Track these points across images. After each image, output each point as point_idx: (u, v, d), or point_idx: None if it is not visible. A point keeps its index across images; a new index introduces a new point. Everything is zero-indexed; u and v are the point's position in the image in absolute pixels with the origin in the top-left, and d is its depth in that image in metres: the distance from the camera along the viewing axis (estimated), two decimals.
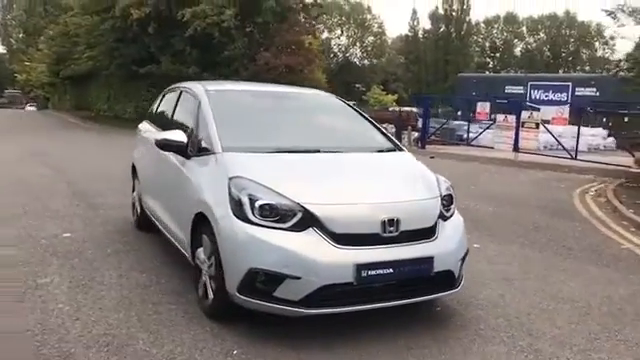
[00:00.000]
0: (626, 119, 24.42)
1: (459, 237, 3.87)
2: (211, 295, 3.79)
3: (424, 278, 3.61)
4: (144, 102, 24.05)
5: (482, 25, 67.79)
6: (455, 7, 65.65)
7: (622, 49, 67.63)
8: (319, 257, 3.31)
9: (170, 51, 22.24)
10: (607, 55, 67.41)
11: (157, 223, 5.28)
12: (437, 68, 64.14)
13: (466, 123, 22.66)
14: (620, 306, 4.49)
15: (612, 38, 66.76)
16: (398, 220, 3.51)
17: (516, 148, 18.32)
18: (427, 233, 3.67)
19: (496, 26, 68.68)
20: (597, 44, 67.59)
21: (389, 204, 3.62)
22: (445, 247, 3.69)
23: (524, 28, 68.33)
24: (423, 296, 3.71)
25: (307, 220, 3.40)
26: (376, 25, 66.22)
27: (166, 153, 4.70)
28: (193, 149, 4.30)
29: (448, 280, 3.76)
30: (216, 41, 21.27)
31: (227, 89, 5.27)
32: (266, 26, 22.19)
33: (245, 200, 3.49)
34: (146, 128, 5.98)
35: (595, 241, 6.77)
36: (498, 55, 68.00)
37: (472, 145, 20.39)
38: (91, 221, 6.60)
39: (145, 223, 5.93)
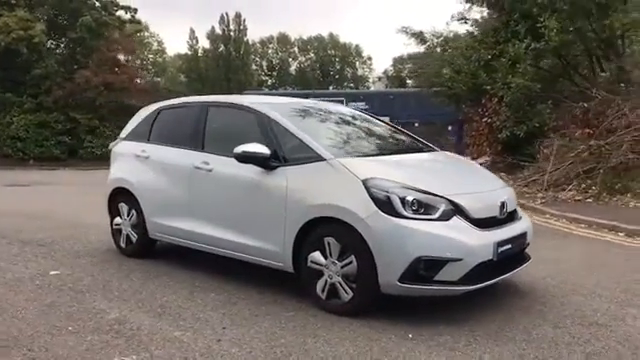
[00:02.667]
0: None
1: (526, 216, 4.72)
2: (348, 294, 4.00)
3: (521, 251, 4.37)
4: None
5: (258, 45, 70.79)
6: (232, 27, 67.30)
7: (378, 67, 76.96)
8: (472, 240, 3.84)
9: None
10: (366, 73, 76.06)
11: (192, 244, 5.12)
12: (220, 86, 65.11)
13: None
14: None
15: (370, 58, 75.61)
16: (506, 203, 4.22)
17: None
18: (516, 213, 4.44)
19: (271, 46, 72.39)
20: (357, 63, 75.63)
21: (496, 191, 4.31)
22: (528, 224, 4.50)
23: (296, 48, 73.22)
24: (519, 267, 4.41)
25: (451, 210, 3.89)
26: (155, 43, 64.74)
27: (221, 170, 4.74)
28: (280, 160, 4.40)
29: (527, 253, 4.56)
30: (24, 58, 19.08)
31: (275, 102, 5.33)
32: (82, 42, 20.61)
33: (394, 198, 3.83)
34: (144, 148, 5.63)
35: (544, 228, 7.83)
36: (275, 73, 71.68)
37: None
38: (54, 257, 5.93)
39: (145, 250, 5.64)
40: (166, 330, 3.87)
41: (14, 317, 4.15)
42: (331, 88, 66.17)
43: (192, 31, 66.45)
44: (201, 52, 68.47)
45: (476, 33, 16.62)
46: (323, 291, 4.15)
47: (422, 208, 3.85)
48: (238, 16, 66.98)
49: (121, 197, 5.81)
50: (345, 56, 73.61)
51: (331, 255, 4.07)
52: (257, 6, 79.31)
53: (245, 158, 4.45)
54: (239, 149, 4.45)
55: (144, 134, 5.77)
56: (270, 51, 72.04)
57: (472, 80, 15.05)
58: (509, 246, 4.09)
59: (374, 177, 3.98)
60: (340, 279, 4.04)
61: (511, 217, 4.32)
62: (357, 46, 73.88)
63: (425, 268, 3.76)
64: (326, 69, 72.36)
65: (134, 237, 5.71)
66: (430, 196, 3.89)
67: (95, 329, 3.90)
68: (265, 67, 71.82)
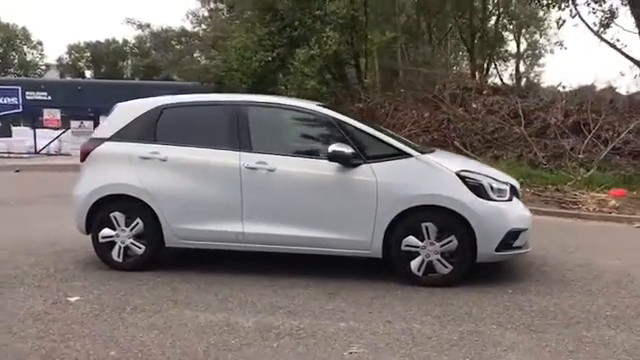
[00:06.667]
0: None
1: None
2: (447, 268, 4.79)
3: None
4: None
5: None
6: None
7: (51, 54, 70.09)
8: (528, 214, 5.10)
9: None
10: (37, 59, 68.44)
11: (241, 246, 5.07)
12: None
13: None
14: None
15: (40, 43, 68.23)
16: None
17: None
18: None
19: None
20: (25, 48, 67.61)
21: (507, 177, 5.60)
22: None
23: None
24: None
25: (511, 192, 5.06)
26: None
27: (289, 169, 4.95)
28: (360, 158, 4.86)
29: None
30: None
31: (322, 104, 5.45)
32: None
33: (486, 185, 4.81)
34: (155, 149, 5.11)
35: None
36: None
37: (47, 155, 19.38)
38: (35, 284, 4.92)
39: (153, 261, 5.27)
40: (327, 324, 4.02)
41: (143, 345, 3.69)
42: None
43: None
44: None
45: (207, 29, 17.79)
46: (419, 269, 4.83)
47: (500, 192, 4.91)
48: None
49: (114, 206, 5.18)
50: (9, 38, 64.84)
51: (429, 237, 4.79)
52: None
53: (334, 157, 4.77)
54: (331, 149, 4.75)
55: (145, 134, 5.21)
56: None
57: (252, 79, 16.05)
58: None
59: (462, 170, 4.87)
60: (439, 256, 4.80)
61: None
62: (24, 29, 65.96)
63: (511, 238, 4.85)
64: None
65: (139, 248, 5.17)
66: (501, 183, 4.98)
67: (277, 336, 3.82)
68: None
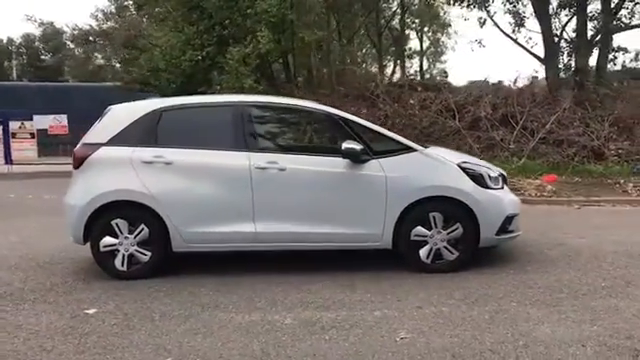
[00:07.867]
0: None
1: None
2: (453, 254, 5.09)
3: None
4: None
5: None
6: None
7: None
8: (518, 200, 5.52)
9: None
10: None
11: (253, 245, 5.09)
12: None
13: None
14: None
15: None
16: None
17: (9, 160, 17.68)
18: None
19: None
20: None
21: None
22: None
23: None
24: None
25: (502, 180, 5.45)
26: None
27: (300, 167, 5.04)
28: (368, 154, 5.04)
29: None
30: None
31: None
32: None
33: (485, 175, 5.16)
34: (159, 153, 4.97)
35: None
36: None
37: None
38: (35, 299, 4.68)
39: (159, 267, 5.14)
40: (363, 314, 4.16)
41: (195, 349, 3.66)
42: None
43: None
44: None
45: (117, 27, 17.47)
46: (428, 257, 5.09)
47: (495, 181, 5.29)
48: None
49: (115, 213, 5.00)
50: None
51: (436, 226, 5.06)
52: None
53: (347, 154, 4.92)
54: (344, 146, 4.90)
55: (145, 138, 5.05)
56: None
57: (180, 79, 15.73)
58: None
59: (463, 161, 5.19)
60: (445, 244, 5.09)
61: None
62: None
63: (508, 222, 5.23)
64: None
65: (144, 255, 5.03)
66: (494, 172, 5.36)
67: (323, 329, 3.90)
68: None
